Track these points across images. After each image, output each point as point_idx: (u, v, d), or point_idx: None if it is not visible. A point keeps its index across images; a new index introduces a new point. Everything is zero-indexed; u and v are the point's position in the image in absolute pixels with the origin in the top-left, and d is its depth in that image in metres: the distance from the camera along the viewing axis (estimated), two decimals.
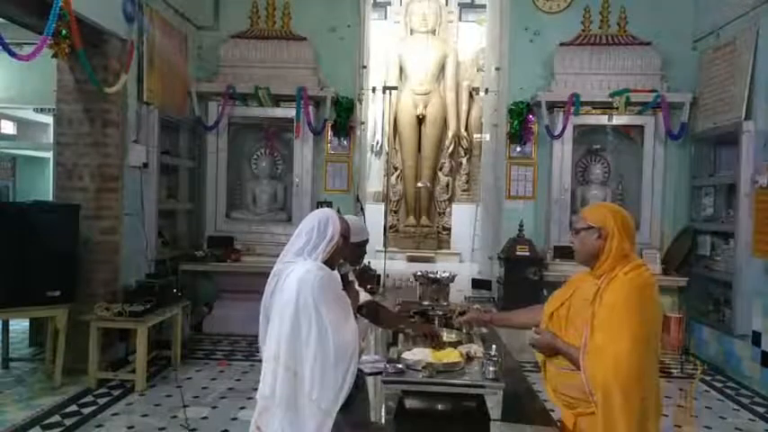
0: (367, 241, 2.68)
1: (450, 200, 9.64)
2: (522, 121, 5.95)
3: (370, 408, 2.06)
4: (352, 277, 2.39)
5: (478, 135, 8.94)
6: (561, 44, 5.99)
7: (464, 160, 9.70)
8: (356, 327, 2.02)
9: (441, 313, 2.65)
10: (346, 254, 2.22)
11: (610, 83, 5.85)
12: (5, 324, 4.73)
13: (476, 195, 9.11)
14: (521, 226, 5.66)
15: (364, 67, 6.71)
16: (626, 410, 1.81)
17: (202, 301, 6.11)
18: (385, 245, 7.20)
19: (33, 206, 4.58)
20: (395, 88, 8.22)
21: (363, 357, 2.33)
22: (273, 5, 6.36)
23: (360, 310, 2.35)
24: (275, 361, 1.93)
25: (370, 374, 2.25)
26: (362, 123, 6.84)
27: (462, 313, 2.53)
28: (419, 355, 2.00)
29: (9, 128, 9.28)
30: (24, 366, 4.79)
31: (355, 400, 1.95)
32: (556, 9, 6.13)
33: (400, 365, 1.91)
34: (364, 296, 2.49)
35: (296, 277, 1.94)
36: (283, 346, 1.91)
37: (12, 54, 3.53)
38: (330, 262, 2.07)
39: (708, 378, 4.97)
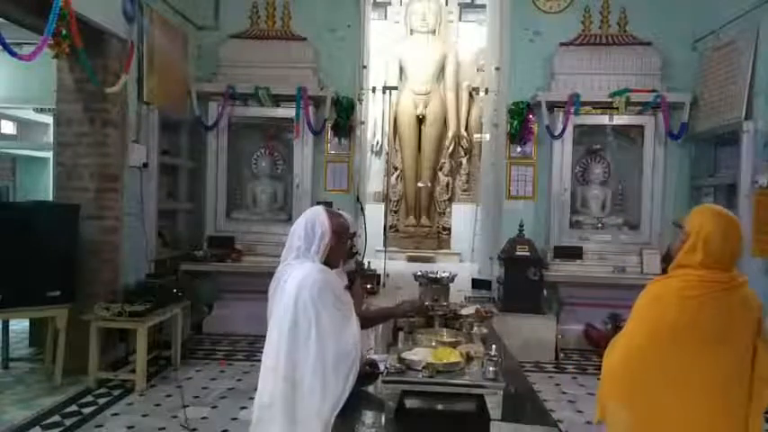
0: (354, 233, 2.68)
1: (450, 200, 9.65)
2: (522, 121, 5.94)
3: (369, 408, 2.06)
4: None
5: (478, 135, 8.94)
6: (561, 44, 5.99)
7: (464, 160, 9.70)
8: (357, 332, 2.01)
9: (441, 313, 2.64)
10: (345, 251, 2.21)
11: (610, 83, 5.84)
12: (5, 324, 4.72)
13: (476, 195, 9.11)
14: (521, 226, 5.65)
15: (364, 67, 6.71)
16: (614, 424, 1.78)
17: (202, 301, 6.10)
18: (385, 245, 7.21)
19: (33, 206, 4.59)
20: (395, 88, 8.23)
21: (375, 356, 2.32)
22: (273, 5, 6.36)
23: None
24: (274, 372, 1.92)
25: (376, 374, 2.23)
26: (362, 123, 6.84)
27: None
28: (419, 354, 1.99)
29: (9, 128, 9.30)
30: (24, 366, 4.79)
31: (357, 403, 1.95)
32: (556, 9, 6.12)
33: (400, 365, 1.91)
34: None
35: (295, 282, 1.94)
36: (282, 356, 1.90)
37: (13, 54, 3.53)
38: (329, 261, 2.06)
39: None
